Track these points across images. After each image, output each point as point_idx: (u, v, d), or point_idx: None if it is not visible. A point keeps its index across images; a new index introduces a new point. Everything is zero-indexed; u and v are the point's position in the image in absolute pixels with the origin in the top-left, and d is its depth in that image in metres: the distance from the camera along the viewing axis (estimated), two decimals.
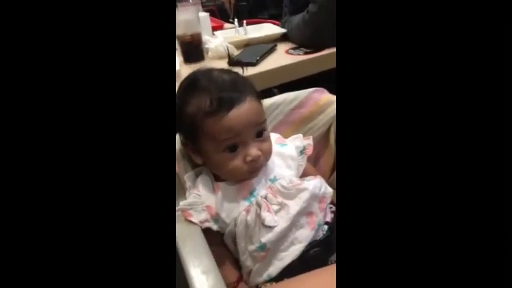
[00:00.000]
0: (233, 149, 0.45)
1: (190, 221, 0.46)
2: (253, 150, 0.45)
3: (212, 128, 0.43)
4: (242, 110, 0.44)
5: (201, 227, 0.46)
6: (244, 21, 1.05)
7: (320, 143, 0.63)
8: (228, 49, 0.81)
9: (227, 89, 0.45)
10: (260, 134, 0.46)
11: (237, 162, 0.45)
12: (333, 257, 0.47)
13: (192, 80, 0.48)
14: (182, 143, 0.50)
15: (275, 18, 1.20)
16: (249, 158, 0.44)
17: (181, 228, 0.46)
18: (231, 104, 0.43)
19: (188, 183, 0.50)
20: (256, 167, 0.47)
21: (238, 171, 0.45)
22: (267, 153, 0.47)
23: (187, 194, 0.49)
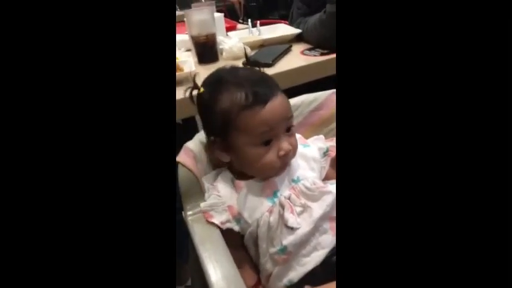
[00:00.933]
0: (267, 143, 0.44)
1: (211, 223, 0.46)
2: (286, 144, 0.45)
3: (248, 121, 0.43)
4: (276, 104, 0.44)
5: (221, 228, 0.45)
6: (258, 22, 1.04)
7: None
8: (245, 49, 0.81)
9: (258, 83, 0.45)
10: (289, 129, 0.46)
11: (271, 156, 0.45)
12: None
13: (218, 77, 0.48)
14: (210, 142, 0.49)
15: (286, 18, 1.19)
16: (282, 152, 0.44)
17: (200, 231, 0.45)
18: (266, 97, 0.43)
19: (207, 185, 0.50)
20: (286, 162, 0.47)
21: (271, 166, 0.45)
22: (296, 148, 0.47)
23: (206, 195, 0.49)
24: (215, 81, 0.47)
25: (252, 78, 0.46)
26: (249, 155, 0.45)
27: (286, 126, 0.46)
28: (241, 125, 0.44)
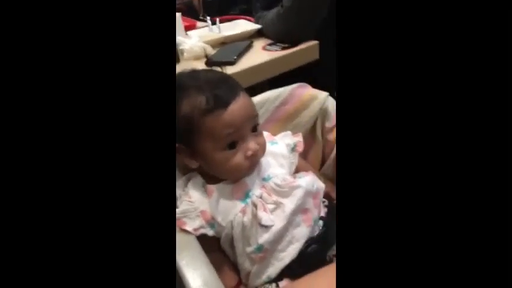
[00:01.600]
0: (232, 145, 0.44)
1: (185, 230, 0.45)
2: (252, 144, 0.45)
3: (211, 125, 0.43)
4: (238, 105, 0.44)
5: (195, 235, 0.45)
6: (217, 19, 1.03)
7: (307, 138, 0.63)
8: (204, 49, 0.79)
9: (219, 85, 0.44)
10: (255, 128, 0.46)
11: (238, 158, 0.44)
12: (331, 252, 0.47)
13: (178, 83, 0.46)
14: (177, 149, 0.48)
15: (246, 13, 1.18)
16: (249, 153, 0.44)
17: (176, 240, 0.45)
18: (227, 99, 0.43)
19: (178, 192, 0.49)
20: (255, 162, 0.47)
21: (239, 168, 0.45)
22: (264, 147, 0.48)
23: (178, 202, 0.48)
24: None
25: (213, 81, 0.45)
26: (216, 160, 0.45)
27: (251, 125, 0.45)
28: (204, 130, 0.43)
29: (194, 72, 0.48)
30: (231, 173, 0.46)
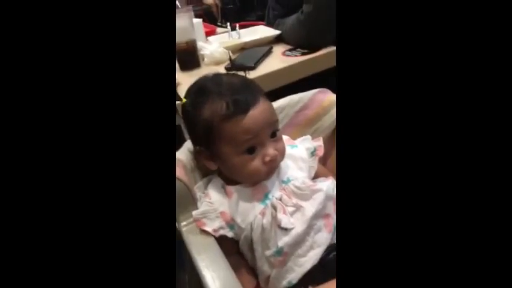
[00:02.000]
0: (251, 150, 0.44)
1: (205, 231, 0.45)
2: (271, 150, 0.45)
3: (230, 130, 0.43)
4: (258, 111, 0.44)
5: (214, 236, 0.45)
6: (237, 25, 1.04)
7: (327, 143, 0.62)
8: (229, 54, 0.80)
9: (240, 91, 0.45)
10: (274, 134, 0.46)
11: (256, 163, 0.45)
12: None
13: (201, 86, 0.47)
14: (196, 151, 0.49)
15: (263, 19, 1.19)
16: (267, 158, 0.44)
17: (195, 241, 0.45)
18: (247, 105, 0.43)
19: (198, 193, 0.49)
20: (273, 167, 0.47)
21: (257, 174, 0.45)
22: (283, 153, 0.47)
23: (199, 204, 0.48)
24: (197, 91, 0.47)
25: (234, 86, 0.46)
26: (234, 164, 0.45)
27: (271, 131, 0.45)
28: (223, 135, 0.44)
29: (216, 77, 0.49)
30: (249, 178, 0.46)
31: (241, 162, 0.44)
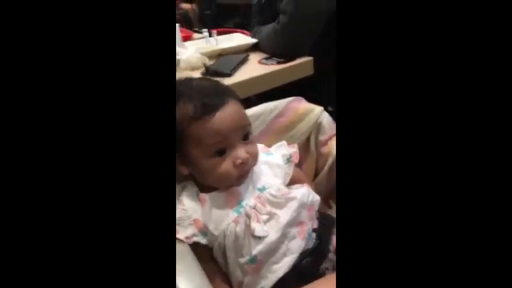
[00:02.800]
0: (221, 153, 0.44)
1: (178, 239, 0.45)
2: (242, 152, 0.44)
3: (198, 132, 0.43)
4: (227, 112, 0.44)
5: (188, 243, 0.44)
6: (215, 31, 1.05)
7: (301, 150, 0.63)
8: (204, 60, 0.80)
9: (209, 94, 0.45)
10: (246, 136, 0.46)
11: (226, 166, 0.44)
12: (325, 265, 0.47)
13: None
14: None
15: (240, 27, 1.20)
16: (238, 161, 0.44)
17: None
18: (215, 107, 0.43)
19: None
20: (245, 171, 0.46)
21: (228, 176, 0.45)
22: (255, 156, 0.47)
23: None
24: None
25: (204, 89, 0.46)
26: (204, 167, 0.45)
27: (242, 134, 0.45)
28: (191, 137, 0.43)
29: (188, 80, 0.49)
30: (219, 181, 0.46)
31: (211, 165, 0.44)
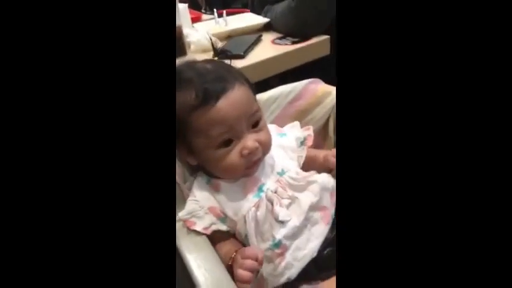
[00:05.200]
0: (228, 143, 0.41)
1: (195, 231, 0.43)
2: (250, 142, 0.41)
3: (201, 122, 0.40)
4: (231, 99, 0.40)
5: (207, 234, 0.43)
6: (224, 12, 1.00)
7: (319, 135, 0.61)
8: (211, 42, 0.77)
9: (212, 78, 0.41)
10: (256, 124, 0.43)
11: (233, 157, 0.41)
12: None
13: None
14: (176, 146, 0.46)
15: (248, 7, 1.15)
16: (245, 152, 0.41)
17: (185, 239, 0.43)
18: (218, 94, 0.40)
19: (186, 192, 0.47)
20: (253, 161, 0.43)
21: (235, 168, 0.42)
22: (266, 145, 0.44)
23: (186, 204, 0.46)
24: None
25: (207, 73, 0.42)
26: (210, 158, 0.42)
27: (250, 121, 0.42)
28: (194, 127, 0.40)
29: (191, 63, 0.45)
30: (226, 173, 0.44)
31: (217, 156, 0.41)
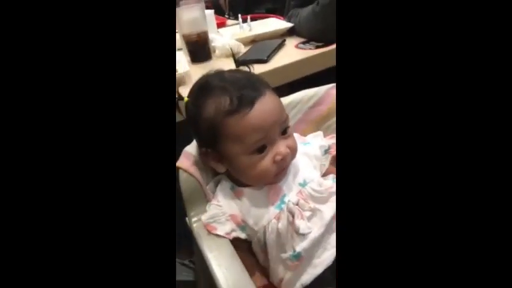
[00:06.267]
0: (261, 149, 0.42)
1: (217, 235, 0.44)
2: (283, 148, 0.42)
3: (236, 128, 0.41)
4: (265, 105, 0.41)
5: (228, 238, 0.44)
6: (248, 17, 1.02)
7: None
8: (231, 50, 0.78)
9: (245, 85, 0.42)
10: (285, 131, 0.44)
11: (266, 163, 0.42)
12: None
13: (203, 83, 0.45)
14: (202, 153, 0.47)
15: (272, 12, 1.16)
16: (278, 158, 0.42)
17: (207, 238, 0.44)
18: (252, 100, 0.41)
19: (210, 194, 0.48)
20: (284, 167, 0.44)
21: (267, 174, 0.43)
22: (294, 151, 0.45)
23: (207, 206, 0.47)
24: (199, 89, 0.45)
25: (238, 81, 0.43)
26: (243, 164, 0.43)
27: (281, 128, 0.43)
28: (229, 133, 0.41)
29: (219, 73, 0.46)
30: (258, 179, 0.44)
31: (250, 162, 0.42)
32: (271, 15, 1.10)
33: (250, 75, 0.47)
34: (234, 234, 0.44)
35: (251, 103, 0.40)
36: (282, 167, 0.44)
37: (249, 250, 0.47)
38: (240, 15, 1.05)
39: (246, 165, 0.43)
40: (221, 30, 1.02)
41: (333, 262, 0.43)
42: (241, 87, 0.42)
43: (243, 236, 0.45)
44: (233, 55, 0.78)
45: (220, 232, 0.44)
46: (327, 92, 0.60)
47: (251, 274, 0.45)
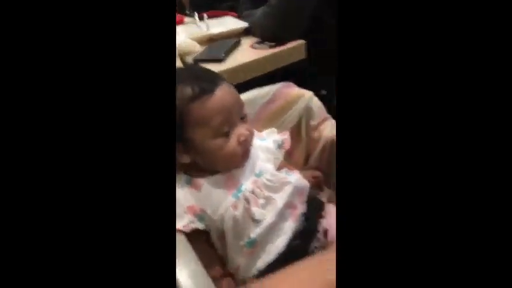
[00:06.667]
0: (226, 133, 0.45)
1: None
2: (244, 130, 0.46)
3: (200, 111, 0.44)
4: (225, 91, 0.45)
5: (186, 231, 0.46)
6: (205, 15, 1.03)
7: (292, 136, 0.64)
8: (194, 46, 0.79)
9: (203, 77, 0.46)
10: (244, 117, 0.48)
11: (232, 144, 0.46)
12: (314, 245, 0.49)
13: None
14: None
15: (233, 9, 1.17)
16: (242, 138, 0.45)
17: None
18: (212, 87, 0.44)
19: None
20: (248, 149, 0.48)
21: (235, 154, 0.46)
22: (253, 134, 0.49)
23: None
24: None
25: (196, 74, 0.47)
26: (210, 148, 0.45)
27: (240, 113, 0.47)
28: (194, 118, 0.44)
29: (182, 68, 0.51)
30: (226, 161, 0.47)
31: (218, 145, 0.45)
32: (231, 13, 1.11)
33: (207, 69, 0.51)
34: (192, 226, 0.46)
35: (212, 90, 0.44)
36: (246, 148, 0.48)
37: (207, 242, 0.49)
38: (196, 13, 1.05)
39: (214, 148, 0.45)
40: (178, 28, 1.02)
41: (286, 247, 0.46)
42: (199, 79, 0.45)
43: (201, 226, 0.47)
44: (181, 57, 0.79)
45: (177, 226, 0.45)
46: (280, 89, 0.63)
47: (211, 266, 0.47)
